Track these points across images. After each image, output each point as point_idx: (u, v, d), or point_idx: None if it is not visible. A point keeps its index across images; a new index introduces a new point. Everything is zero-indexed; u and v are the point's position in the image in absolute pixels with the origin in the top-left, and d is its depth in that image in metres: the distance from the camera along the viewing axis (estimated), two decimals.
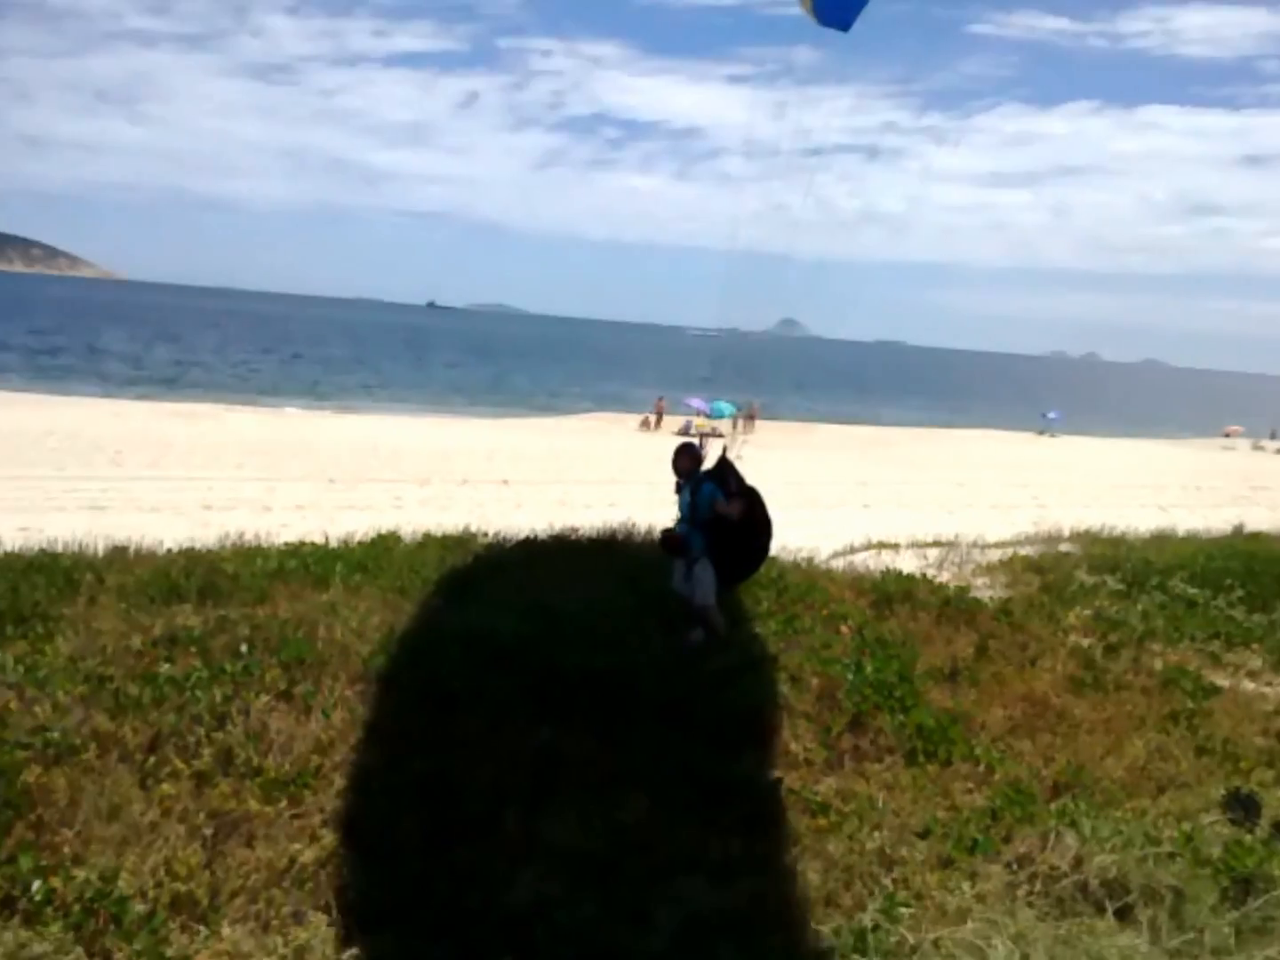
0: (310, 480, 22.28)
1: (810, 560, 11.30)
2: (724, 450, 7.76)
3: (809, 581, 9.82)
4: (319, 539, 10.54)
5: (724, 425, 40.93)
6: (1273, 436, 65.53)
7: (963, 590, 10.21)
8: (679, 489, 7.84)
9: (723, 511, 7.45)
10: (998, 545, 14.39)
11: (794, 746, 6.15)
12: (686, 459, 7.83)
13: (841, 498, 25.16)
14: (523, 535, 11.29)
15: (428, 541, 10.55)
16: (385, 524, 11.87)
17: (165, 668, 5.92)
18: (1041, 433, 59.59)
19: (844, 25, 6.48)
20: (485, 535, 11.16)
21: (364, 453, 28.06)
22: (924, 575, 10.89)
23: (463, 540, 10.81)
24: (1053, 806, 5.53)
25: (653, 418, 46.51)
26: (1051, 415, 63.66)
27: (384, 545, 10.26)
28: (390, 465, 25.76)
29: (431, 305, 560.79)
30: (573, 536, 11.32)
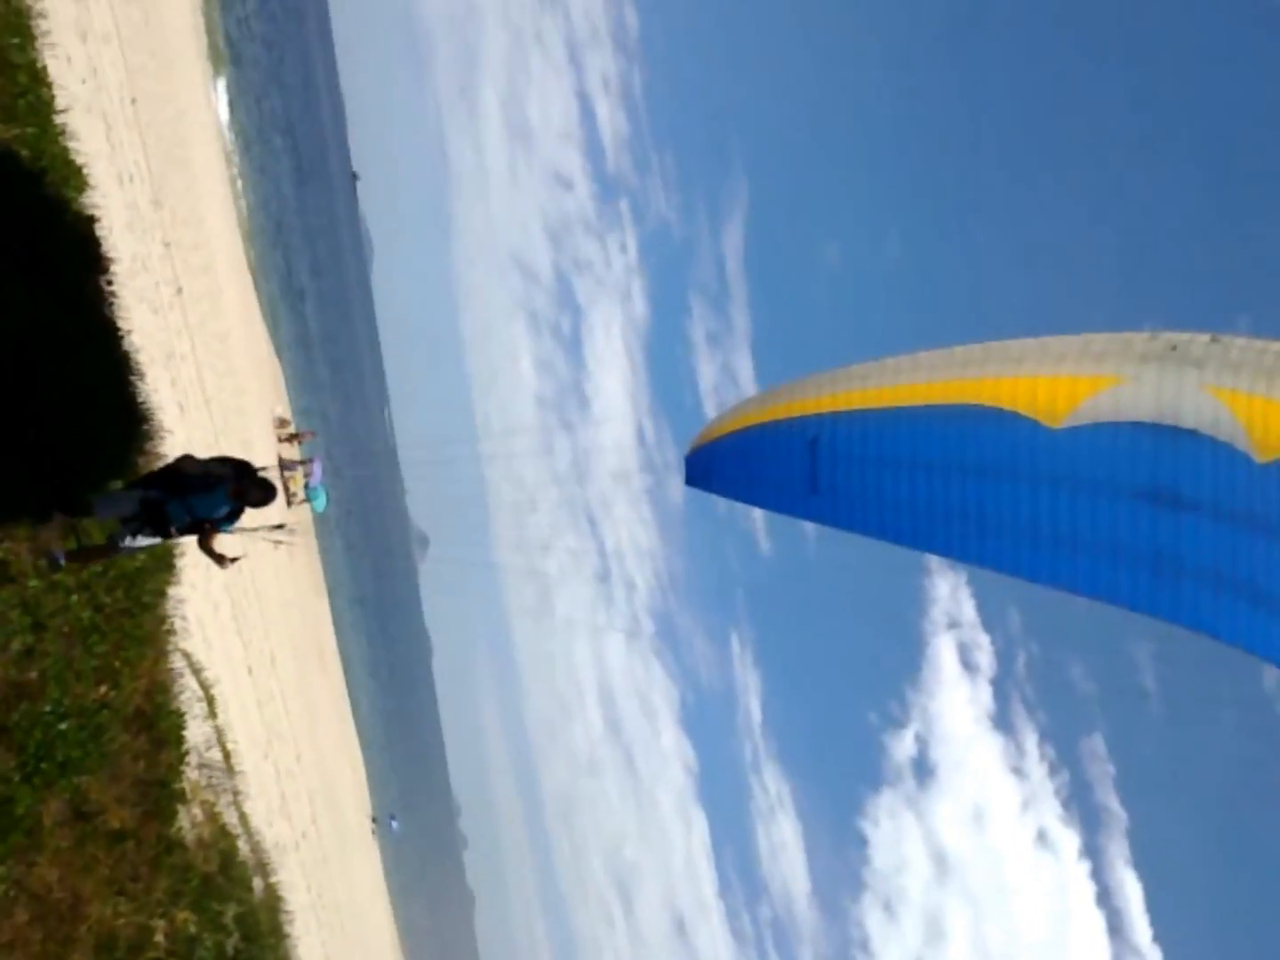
0: None
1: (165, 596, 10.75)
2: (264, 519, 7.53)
3: (149, 634, 9.35)
4: None
5: (297, 511, 37.61)
6: None
7: None
8: (225, 484, 7.30)
9: (205, 537, 7.32)
10: None
11: None
12: (251, 483, 7.40)
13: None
14: None
15: None
16: None
17: None
18: None
19: (688, 479, 7.86)
20: None
21: None
22: None
23: None
24: None
25: (287, 431, 43.36)
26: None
27: None
28: None
29: None
30: None
